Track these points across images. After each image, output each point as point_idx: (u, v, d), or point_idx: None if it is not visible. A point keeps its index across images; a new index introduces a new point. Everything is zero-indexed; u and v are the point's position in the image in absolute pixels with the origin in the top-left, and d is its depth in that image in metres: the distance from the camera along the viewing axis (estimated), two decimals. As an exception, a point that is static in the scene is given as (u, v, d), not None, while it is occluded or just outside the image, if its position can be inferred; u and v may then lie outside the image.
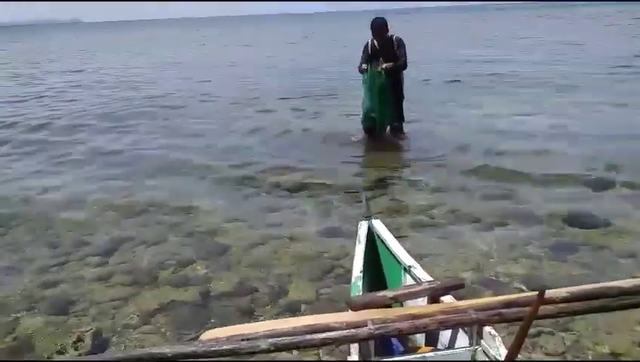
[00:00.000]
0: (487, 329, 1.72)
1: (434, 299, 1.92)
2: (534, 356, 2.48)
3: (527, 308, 1.51)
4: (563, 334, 2.63)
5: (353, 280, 2.15)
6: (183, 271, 3.57)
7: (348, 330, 1.61)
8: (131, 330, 2.91)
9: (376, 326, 1.61)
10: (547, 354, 2.50)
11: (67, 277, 3.56)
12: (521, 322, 1.44)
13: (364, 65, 6.18)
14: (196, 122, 8.61)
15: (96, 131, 8.42)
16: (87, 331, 2.91)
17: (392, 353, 2.05)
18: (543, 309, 1.57)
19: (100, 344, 2.80)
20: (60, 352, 2.75)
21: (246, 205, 4.73)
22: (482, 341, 1.75)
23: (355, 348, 1.73)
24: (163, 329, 2.91)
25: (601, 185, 4.77)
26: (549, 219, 4.10)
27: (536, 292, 1.40)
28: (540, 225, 4.01)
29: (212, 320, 2.95)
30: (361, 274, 2.17)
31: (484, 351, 1.74)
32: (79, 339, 2.85)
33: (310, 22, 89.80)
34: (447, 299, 1.91)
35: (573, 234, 3.83)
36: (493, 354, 1.68)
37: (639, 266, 3.32)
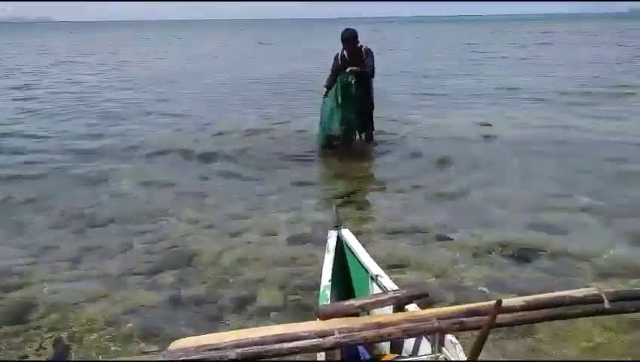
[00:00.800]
0: (448, 337, 1.79)
1: (399, 307, 1.97)
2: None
3: (486, 317, 1.58)
4: (523, 340, 2.73)
5: (322, 288, 2.19)
6: (151, 277, 3.54)
7: (316, 339, 1.64)
8: (96, 336, 2.88)
9: (343, 334, 1.65)
10: (506, 358, 2.60)
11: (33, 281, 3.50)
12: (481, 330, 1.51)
13: (325, 90, 6.35)
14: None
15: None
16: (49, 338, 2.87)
17: (358, 360, 2.09)
18: (501, 318, 1.64)
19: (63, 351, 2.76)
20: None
21: (215, 213, 4.71)
22: (444, 348, 1.81)
23: (321, 356, 1.77)
24: (130, 334, 2.89)
25: (562, 196, 4.96)
26: (511, 226, 4.26)
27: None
28: (502, 231, 4.16)
29: (181, 322, 2.96)
30: (330, 283, 2.21)
31: (445, 359, 1.81)
32: (41, 347, 2.80)
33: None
34: (412, 307, 1.96)
35: (534, 240, 3.97)
36: (454, 360, 1.75)
37: (595, 270, 3.49)
